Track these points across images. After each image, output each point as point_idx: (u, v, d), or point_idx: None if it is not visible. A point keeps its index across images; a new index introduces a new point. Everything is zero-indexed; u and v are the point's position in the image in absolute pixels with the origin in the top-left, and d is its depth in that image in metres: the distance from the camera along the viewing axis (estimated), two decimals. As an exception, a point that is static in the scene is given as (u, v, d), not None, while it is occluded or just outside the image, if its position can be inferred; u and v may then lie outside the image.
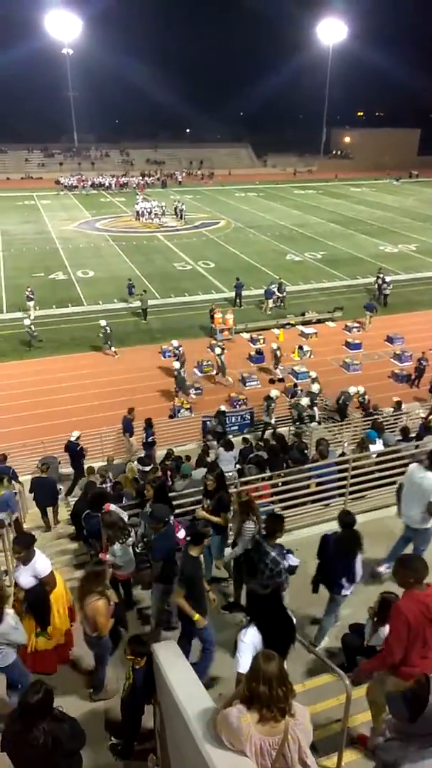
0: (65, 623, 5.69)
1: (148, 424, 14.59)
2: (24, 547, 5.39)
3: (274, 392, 16.12)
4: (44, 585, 5.42)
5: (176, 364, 19.41)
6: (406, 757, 2.79)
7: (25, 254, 34.95)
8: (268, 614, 3.83)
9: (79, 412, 17.67)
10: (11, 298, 27.07)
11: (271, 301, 26.90)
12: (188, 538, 5.58)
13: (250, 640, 3.74)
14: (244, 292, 27.63)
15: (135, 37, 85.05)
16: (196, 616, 5.14)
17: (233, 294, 27.48)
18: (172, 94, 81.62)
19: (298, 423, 15.37)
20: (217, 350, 20.43)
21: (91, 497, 7.56)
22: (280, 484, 8.52)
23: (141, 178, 63.44)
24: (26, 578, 5.35)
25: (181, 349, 20.49)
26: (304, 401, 15.92)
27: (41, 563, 5.41)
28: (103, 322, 21.96)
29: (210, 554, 6.74)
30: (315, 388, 16.97)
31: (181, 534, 6.66)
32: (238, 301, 27.20)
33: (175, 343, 20.99)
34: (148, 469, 9.28)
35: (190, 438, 16.18)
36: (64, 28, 72.63)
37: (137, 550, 6.72)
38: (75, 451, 13.09)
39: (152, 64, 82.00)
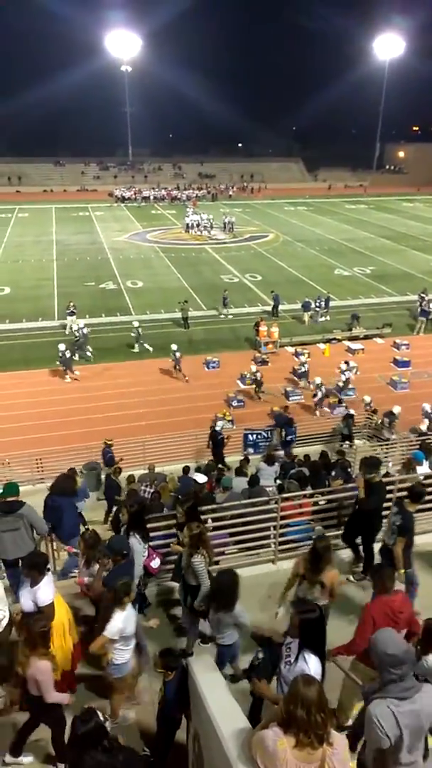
0: (65, 656, 5.26)
1: (289, 423, 14.82)
2: (31, 568, 5.15)
3: (396, 408, 15.86)
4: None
5: (61, 346, 20.66)
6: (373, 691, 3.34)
7: (78, 264, 35.99)
8: (321, 637, 3.76)
9: (124, 419, 17.94)
10: (63, 306, 27.86)
11: (309, 313, 26.84)
12: (407, 496, 6.16)
13: (315, 668, 3.64)
14: (290, 306, 27.53)
15: (191, 54, 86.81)
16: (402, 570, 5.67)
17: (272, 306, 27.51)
18: (225, 109, 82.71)
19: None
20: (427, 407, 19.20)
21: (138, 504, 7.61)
22: (324, 502, 8.35)
23: (191, 191, 64.42)
24: (27, 601, 5.10)
25: (84, 331, 22.68)
26: (424, 426, 15.58)
27: (44, 592, 5.08)
28: (174, 347, 21.44)
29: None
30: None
31: (156, 563, 6.46)
32: (275, 312, 27.16)
33: (81, 323, 23.30)
34: (203, 481, 9.09)
35: (230, 450, 16.11)
36: (123, 47, 75.03)
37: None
38: (217, 440, 14.10)
39: (207, 80, 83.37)
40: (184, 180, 72.22)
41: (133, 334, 23.31)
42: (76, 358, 22.14)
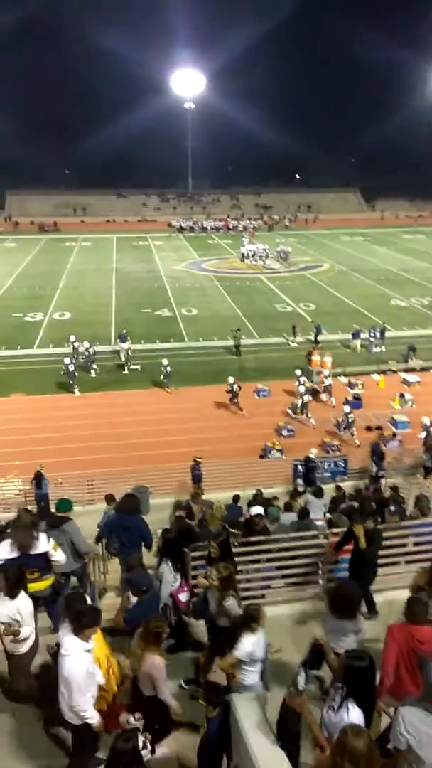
0: (107, 690, 4.98)
1: (379, 456, 14.60)
2: (67, 608, 4.90)
3: None
4: None
5: (66, 360, 22.45)
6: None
7: (136, 291, 37.06)
8: (368, 688, 3.59)
9: (173, 444, 18.08)
10: (120, 332, 28.68)
11: (358, 341, 26.72)
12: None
13: (356, 720, 3.49)
14: (344, 336, 27.36)
15: (252, 88, 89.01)
16: None
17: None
18: (283, 141, 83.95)
19: None
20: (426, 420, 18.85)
21: (178, 532, 7.59)
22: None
23: (249, 222, 65.45)
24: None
25: (78, 344, 24.45)
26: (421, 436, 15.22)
27: None
28: (165, 361, 22.58)
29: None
30: None
31: (184, 597, 6.33)
32: (316, 341, 27.02)
33: (85, 344, 24.29)
34: (260, 511, 8.92)
35: (279, 480, 15.88)
36: (188, 86, 78.18)
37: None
38: (308, 467, 14.18)
39: (267, 113, 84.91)
40: (241, 211, 73.52)
41: (122, 357, 24.37)
42: (93, 374, 23.79)
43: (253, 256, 45.75)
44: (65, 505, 7.05)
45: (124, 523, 7.31)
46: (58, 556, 5.94)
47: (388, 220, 72.47)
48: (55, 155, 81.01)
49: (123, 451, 17.66)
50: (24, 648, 5.17)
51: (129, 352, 24.34)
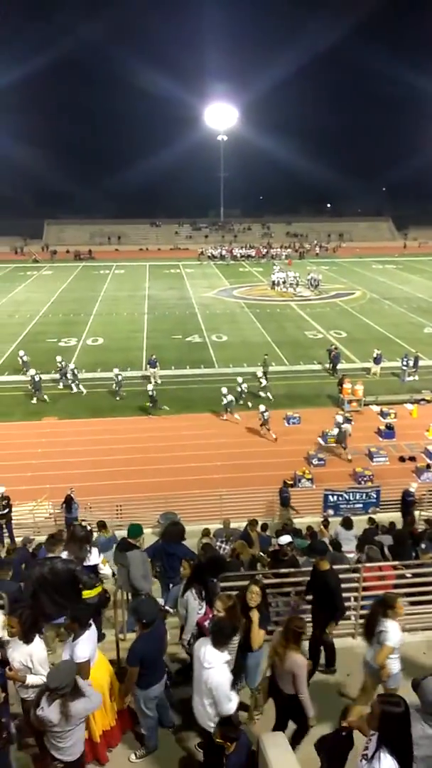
0: (99, 723, 4.99)
1: None
2: (73, 620, 4.91)
3: None
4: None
5: (32, 371, 24.01)
6: None
7: (167, 317, 37.58)
8: (404, 735, 3.40)
9: (198, 471, 18.00)
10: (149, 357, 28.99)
11: (378, 367, 26.60)
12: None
13: None
14: (367, 364, 27.06)
15: (284, 119, 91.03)
16: None
17: (332, 364, 27.22)
18: (315, 171, 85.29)
19: None
20: (339, 418, 19.89)
21: (207, 561, 7.47)
22: (409, 575, 7.79)
23: (281, 250, 65.98)
24: (65, 655, 4.86)
25: (26, 357, 26.37)
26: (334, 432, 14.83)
27: (81, 648, 4.79)
28: (224, 390, 22.23)
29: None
30: None
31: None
32: (332, 369, 26.81)
33: (21, 351, 26.88)
34: (284, 542, 8.67)
35: (308, 510, 15.60)
36: (221, 119, 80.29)
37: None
38: (406, 501, 13.68)
39: (299, 143, 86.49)
40: (272, 239, 74.27)
41: (69, 377, 24.97)
42: (67, 385, 25.05)
43: (283, 283, 45.98)
44: (136, 530, 7.28)
45: (169, 550, 7.43)
46: (106, 570, 6.43)
47: (412, 248, 72.11)
48: (93, 186, 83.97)
49: (153, 476, 17.68)
50: (33, 695, 4.85)
51: (76, 372, 25.15)
